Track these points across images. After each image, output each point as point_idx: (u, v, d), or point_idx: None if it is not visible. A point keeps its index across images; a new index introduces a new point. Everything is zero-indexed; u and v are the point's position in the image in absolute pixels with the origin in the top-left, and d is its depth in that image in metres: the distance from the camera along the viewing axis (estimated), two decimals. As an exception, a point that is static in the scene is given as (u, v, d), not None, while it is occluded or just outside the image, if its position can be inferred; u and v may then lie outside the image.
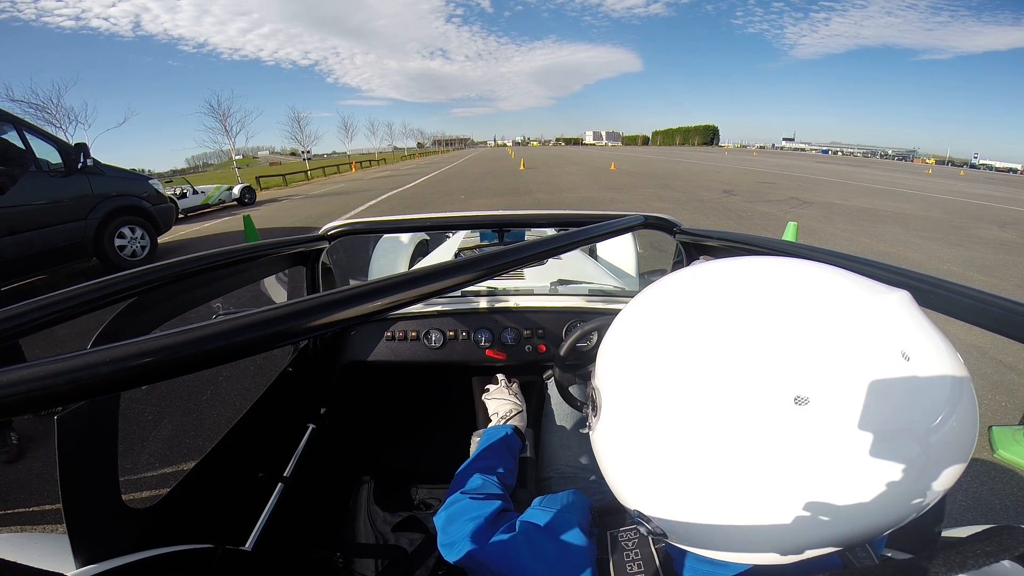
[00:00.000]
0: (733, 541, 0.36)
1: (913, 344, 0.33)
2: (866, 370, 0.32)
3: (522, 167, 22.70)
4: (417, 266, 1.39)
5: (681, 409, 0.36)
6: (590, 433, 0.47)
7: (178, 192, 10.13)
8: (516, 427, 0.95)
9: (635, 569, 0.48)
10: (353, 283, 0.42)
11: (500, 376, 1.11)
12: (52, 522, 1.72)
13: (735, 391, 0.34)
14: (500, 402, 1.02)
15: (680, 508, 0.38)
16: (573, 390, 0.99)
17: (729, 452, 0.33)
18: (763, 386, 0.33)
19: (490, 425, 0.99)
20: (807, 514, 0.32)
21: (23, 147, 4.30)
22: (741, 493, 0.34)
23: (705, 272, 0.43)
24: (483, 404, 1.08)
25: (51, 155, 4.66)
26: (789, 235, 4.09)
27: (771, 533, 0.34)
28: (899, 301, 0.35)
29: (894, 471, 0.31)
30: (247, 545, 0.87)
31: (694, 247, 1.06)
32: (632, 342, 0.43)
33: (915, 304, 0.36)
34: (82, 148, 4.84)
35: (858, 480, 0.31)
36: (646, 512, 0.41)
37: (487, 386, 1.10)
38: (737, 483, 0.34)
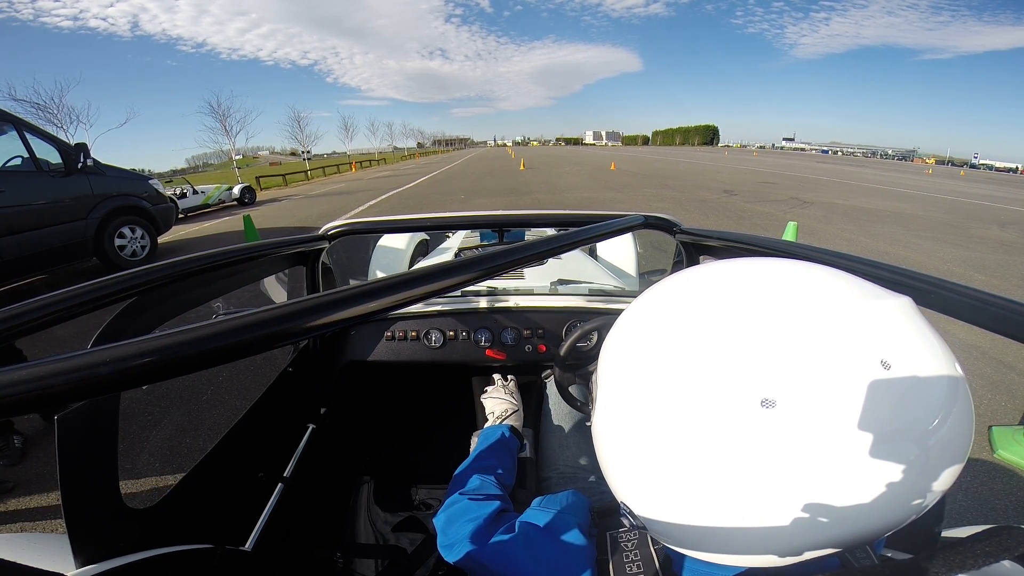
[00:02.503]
0: (719, 543, 0.36)
1: (898, 352, 0.33)
2: (839, 376, 0.32)
3: (522, 167, 22.68)
4: (417, 266, 1.39)
5: (659, 408, 0.37)
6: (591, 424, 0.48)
7: (178, 192, 10.12)
8: (512, 426, 0.95)
9: (635, 570, 0.48)
10: (353, 283, 0.42)
11: (496, 376, 1.11)
12: (52, 519, 1.73)
13: (705, 392, 0.34)
14: (496, 401, 1.02)
15: (661, 506, 0.38)
16: (573, 390, 0.99)
17: (703, 453, 0.34)
18: (731, 388, 0.33)
19: (487, 425, 0.99)
20: (794, 517, 0.32)
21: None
22: (717, 494, 0.34)
23: (701, 274, 0.44)
24: (482, 404, 1.08)
25: (51, 155, 4.66)
26: (789, 235, 4.09)
27: (758, 535, 0.34)
28: (897, 307, 0.35)
29: (880, 475, 0.31)
30: (247, 545, 0.87)
31: (694, 247, 1.06)
32: (620, 339, 0.45)
33: (914, 310, 0.36)
34: (82, 148, 4.85)
35: (842, 484, 0.31)
36: (634, 509, 0.41)
37: (485, 387, 1.10)
38: (712, 484, 0.34)
